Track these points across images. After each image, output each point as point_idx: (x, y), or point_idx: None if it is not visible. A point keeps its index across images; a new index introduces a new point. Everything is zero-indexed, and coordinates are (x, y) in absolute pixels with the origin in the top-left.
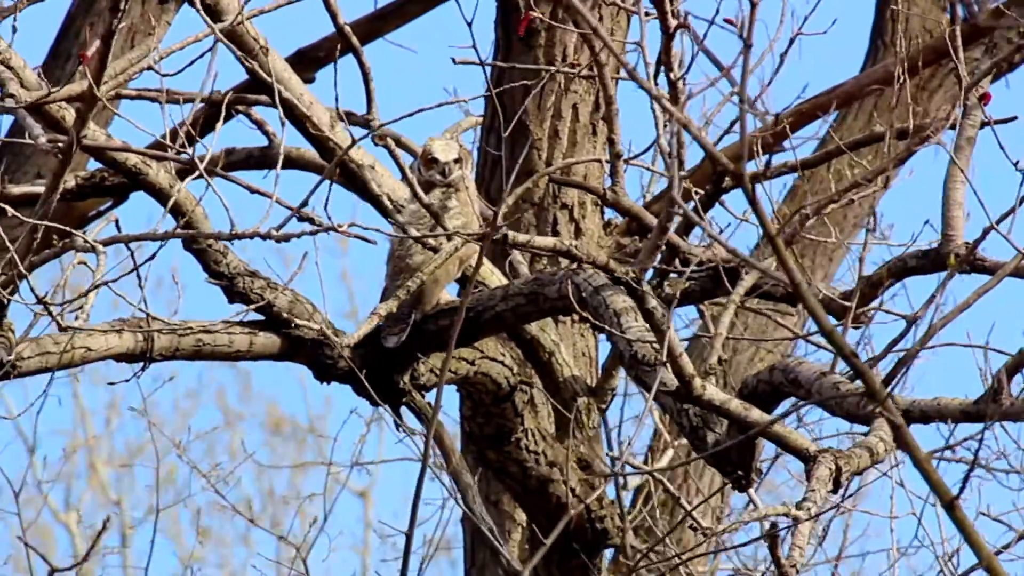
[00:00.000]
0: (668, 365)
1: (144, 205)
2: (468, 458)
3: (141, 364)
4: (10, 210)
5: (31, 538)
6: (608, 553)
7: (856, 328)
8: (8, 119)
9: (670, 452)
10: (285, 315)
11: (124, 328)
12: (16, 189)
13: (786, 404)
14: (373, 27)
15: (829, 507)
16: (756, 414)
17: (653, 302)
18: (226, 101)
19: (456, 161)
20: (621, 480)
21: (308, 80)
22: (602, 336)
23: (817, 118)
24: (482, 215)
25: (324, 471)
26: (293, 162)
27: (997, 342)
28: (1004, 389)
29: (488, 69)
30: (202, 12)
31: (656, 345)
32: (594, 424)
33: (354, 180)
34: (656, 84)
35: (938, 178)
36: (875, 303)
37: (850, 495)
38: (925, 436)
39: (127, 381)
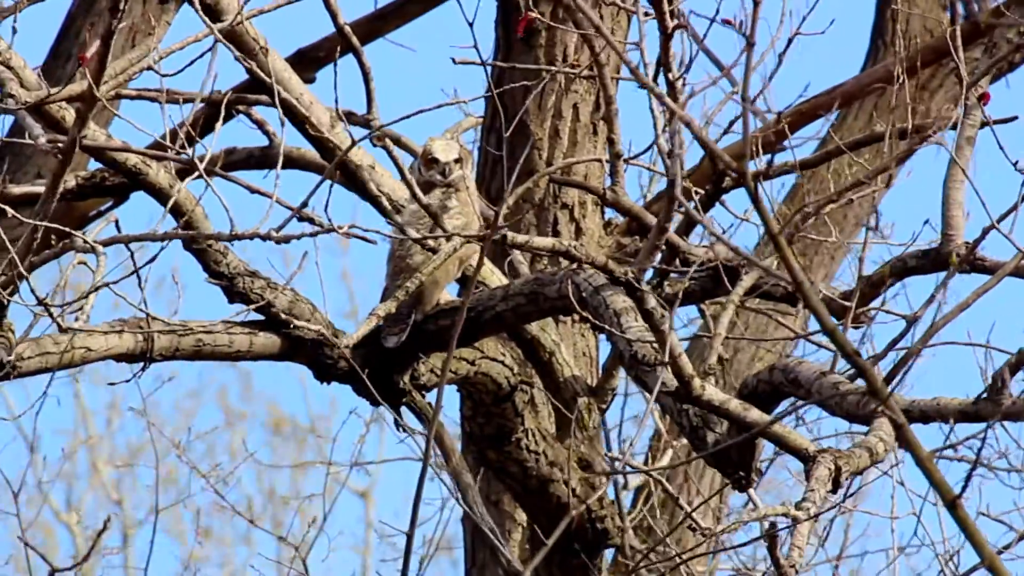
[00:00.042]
0: (668, 365)
1: (145, 205)
2: (468, 458)
3: (141, 364)
4: (10, 211)
5: (33, 538)
6: (608, 553)
7: (856, 328)
8: (8, 119)
9: (670, 452)
10: (284, 316)
11: (124, 329)
12: (16, 189)
13: (786, 404)
14: (373, 27)
15: (829, 507)
16: (755, 414)
17: (652, 302)
18: (226, 101)
19: (456, 161)
20: (621, 480)
21: (308, 80)
22: (602, 336)
23: (817, 118)
24: (482, 215)
25: (325, 471)
26: (294, 162)
27: (997, 342)
28: (1007, 386)
29: (489, 69)
30: (201, 13)
31: (656, 345)
32: (594, 424)
33: (354, 180)
34: (656, 84)
35: (938, 178)
36: (876, 303)
37: (851, 495)
38: (924, 436)
39: (127, 381)
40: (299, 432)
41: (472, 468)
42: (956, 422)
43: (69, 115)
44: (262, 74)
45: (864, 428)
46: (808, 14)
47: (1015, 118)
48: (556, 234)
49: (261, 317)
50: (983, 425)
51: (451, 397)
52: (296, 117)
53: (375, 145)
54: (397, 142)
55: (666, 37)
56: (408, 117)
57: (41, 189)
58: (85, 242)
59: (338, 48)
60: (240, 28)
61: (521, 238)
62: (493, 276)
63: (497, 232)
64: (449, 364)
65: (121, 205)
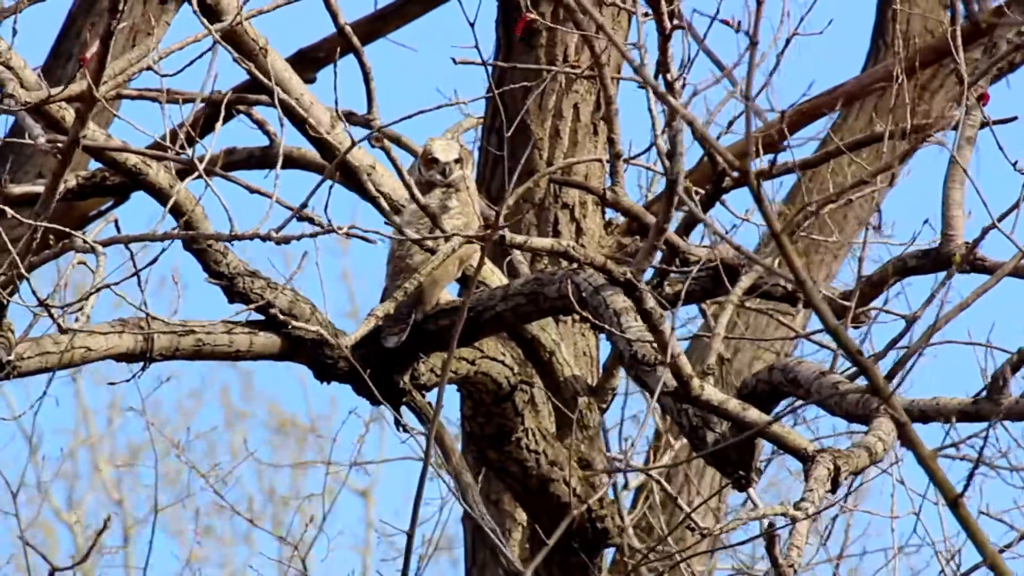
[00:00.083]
0: (667, 366)
1: (147, 204)
2: (469, 458)
3: (141, 364)
4: (9, 211)
5: (33, 538)
6: (608, 553)
7: (856, 328)
8: (9, 119)
9: (670, 452)
10: (282, 316)
11: (124, 329)
12: (17, 189)
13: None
14: (374, 27)
15: (827, 506)
16: (754, 414)
17: (651, 302)
18: (226, 101)
19: (456, 161)
20: (621, 480)
21: (309, 80)
22: (603, 335)
23: (818, 118)
24: (483, 215)
25: (324, 471)
26: (294, 162)
27: (997, 342)
28: (1007, 385)
29: (489, 69)
30: (199, 14)
31: (656, 345)
32: (594, 424)
33: (355, 180)
34: (657, 84)
35: (938, 178)
36: (878, 303)
37: (850, 492)
38: (923, 436)
39: (127, 381)
40: (300, 432)
41: (472, 468)
42: (955, 422)
43: (69, 115)
44: (261, 76)
45: (863, 428)
46: (806, 14)
47: (1015, 118)
48: (557, 234)
49: (261, 317)
50: (985, 424)
51: (451, 397)
52: (296, 118)
53: (373, 146)
54: (397, 142)
55: (664, 38)
56: (408, 117)
57: (41, 189)
58: (85, 242)
59: (339, 48)
60: (240, 28)
61: (519, 238)
62: (493, 276)
63: (495, 232)
64: (450, 364)
65: (122, 205)
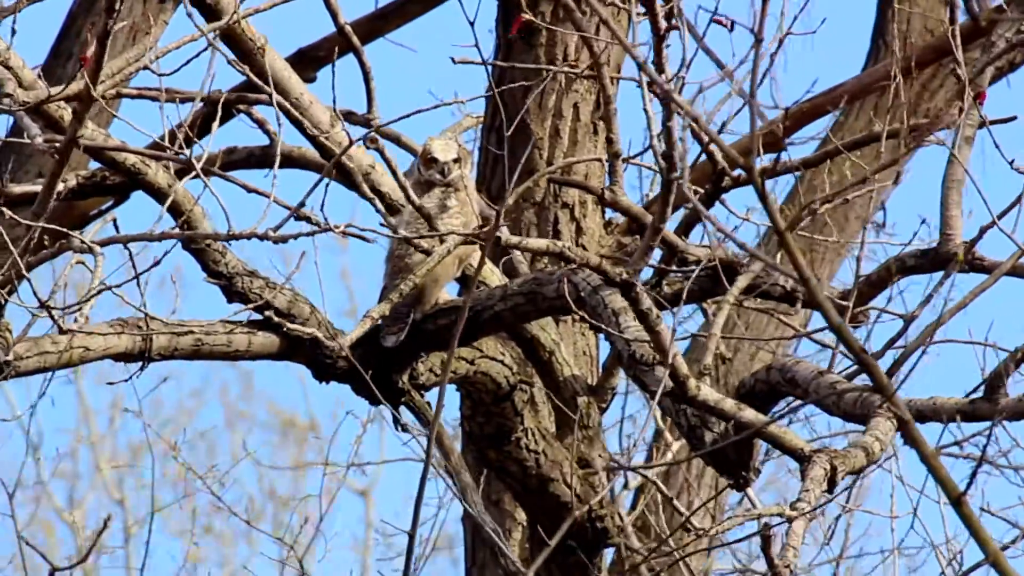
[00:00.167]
0: (665, 366)
1: (147, 204)
2: (468, 458)
3: (140, 364)
4: (7, 212)
5: (34, 537)
6: (608, 552)
7: (855, 327)
8: (9, 119)
9: (670, 453)
10: (277, 318)
11: (123, 329)
12: (17, 188)
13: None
14: (374, 27)
15: (824, 502)
16: (750, 414)
17: (648, 303)
18: (225, 100)
19: (455, 161)
20: (621, 480)
21: (309, 80)
22: (602, 335)
23: (818, 117)
24: (482, 214)
25: (322, 471)
26: (294, 161)
27: (995, 341)
28: (1004, 385)
29: (489, 68)
30: (194, 15)
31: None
32: (594, 424)
33: (352, 179)
34: (652, 84)
35: (936, 178)
36: (877, 303)
37: (849, 492)
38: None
39: (126, 381)
40: (300, 432)
41: (472, 468)
42: (953, 422)
43: (68, 115)
44: (254, 78)
45: (861, 427)
46: (799, 13)
47: (1014, 118)
48: (557, 233)
49: (260, 317)
50: (988, 423)
51: (450, 397)
52: (294, 118)
53: (368, 148)
54: (397, 141)
55: (659, 39)
56: (407, 116)
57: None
58: (82, 242)
59: (338, 48)
60: (238, 28)
61: (515, 239)
62: (493, 276)
63: (492, 232)
64: (450, 364)
65: (122, 204)
